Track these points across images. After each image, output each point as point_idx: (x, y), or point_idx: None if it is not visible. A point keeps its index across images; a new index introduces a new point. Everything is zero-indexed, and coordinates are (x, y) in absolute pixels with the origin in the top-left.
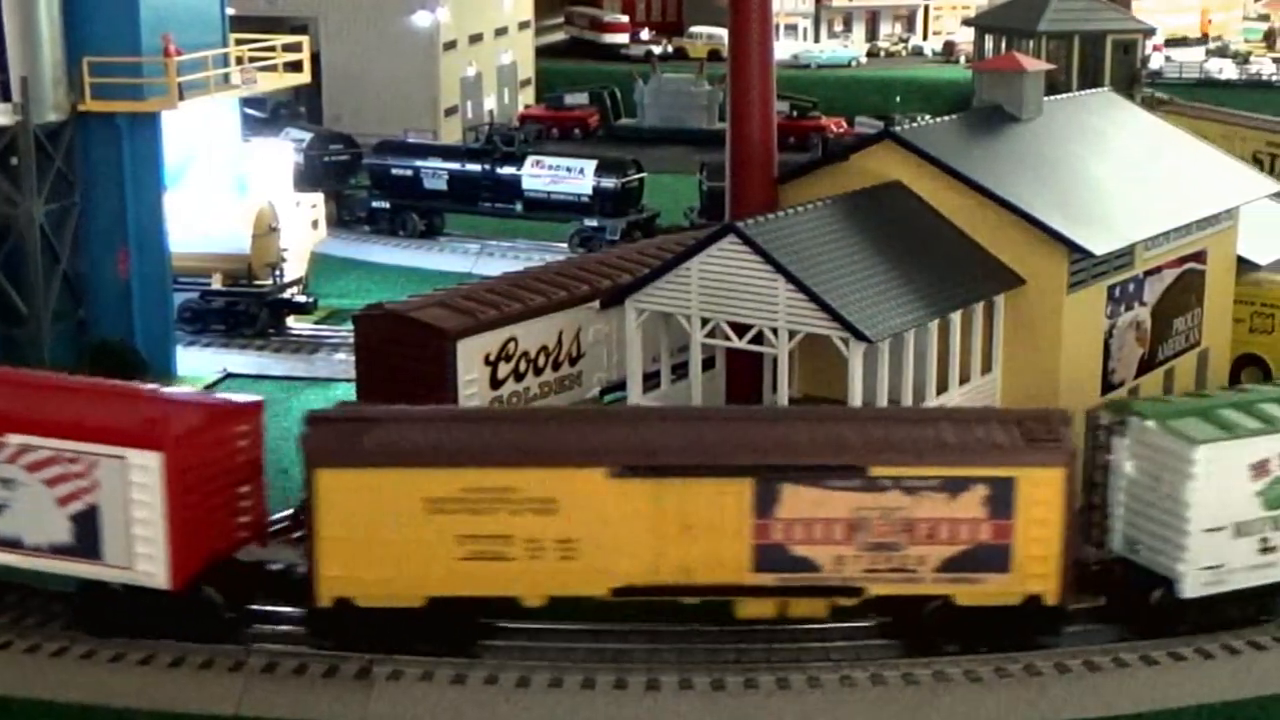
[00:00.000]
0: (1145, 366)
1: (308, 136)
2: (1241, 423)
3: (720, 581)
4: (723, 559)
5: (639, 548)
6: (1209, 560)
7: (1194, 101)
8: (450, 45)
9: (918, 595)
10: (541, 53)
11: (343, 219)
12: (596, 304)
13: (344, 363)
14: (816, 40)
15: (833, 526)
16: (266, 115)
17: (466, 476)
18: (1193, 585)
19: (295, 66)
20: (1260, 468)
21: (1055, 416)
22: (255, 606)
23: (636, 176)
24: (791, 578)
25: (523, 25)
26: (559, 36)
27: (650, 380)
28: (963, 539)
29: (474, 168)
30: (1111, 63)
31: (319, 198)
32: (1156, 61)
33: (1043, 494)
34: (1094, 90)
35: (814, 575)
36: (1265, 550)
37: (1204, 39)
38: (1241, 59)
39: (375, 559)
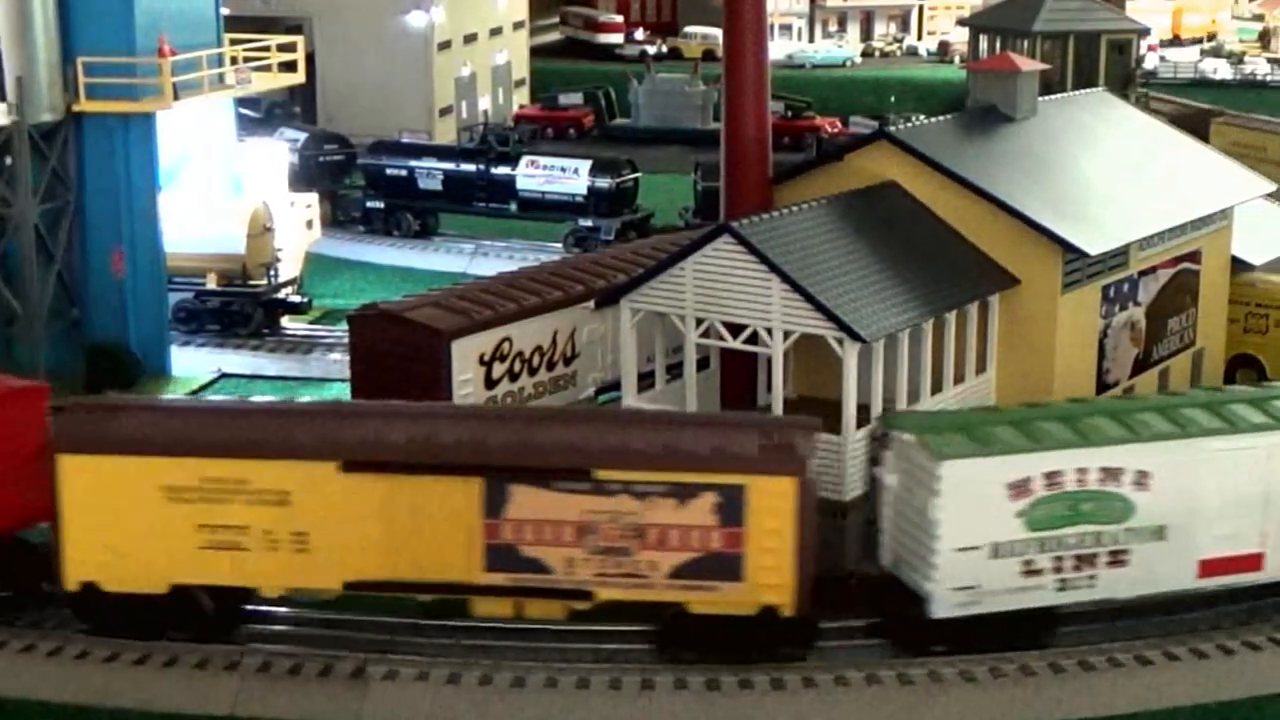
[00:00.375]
0: (1140, 366)
1: (302, 136)
2: (1004, 439)
3: (453, 580)
4: (455, 557)
5: (371, 543)
6: (961, 580)
7: (1252, 113)
8: (445, 45)
9: (650, 602)
10: (536, 53)
11: (337, 219)
12: (591, 304)
13: (338, 363)
14: (811, 40)
15: (562, 529)
16: (261, 115)
17: (203, 466)
18: (943, 605)
19: (290, 66)
20: (1020, 487)
21: (798, 425)
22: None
23: (631, 176)
24: (523, 578)
25: (517, 25)
26: (554, 36)
27: (645, 380)
28: (694, 546)
29: (469, 168)
30: (1106, 63)
31: (314, 198)
32: (1151, 61)
33: (774, 503)
34: (1089, 90)
35: (545, 577)
36: (1030, 573)
37: (1176, 40)
38: (1236, 59)
39: (118, 545)
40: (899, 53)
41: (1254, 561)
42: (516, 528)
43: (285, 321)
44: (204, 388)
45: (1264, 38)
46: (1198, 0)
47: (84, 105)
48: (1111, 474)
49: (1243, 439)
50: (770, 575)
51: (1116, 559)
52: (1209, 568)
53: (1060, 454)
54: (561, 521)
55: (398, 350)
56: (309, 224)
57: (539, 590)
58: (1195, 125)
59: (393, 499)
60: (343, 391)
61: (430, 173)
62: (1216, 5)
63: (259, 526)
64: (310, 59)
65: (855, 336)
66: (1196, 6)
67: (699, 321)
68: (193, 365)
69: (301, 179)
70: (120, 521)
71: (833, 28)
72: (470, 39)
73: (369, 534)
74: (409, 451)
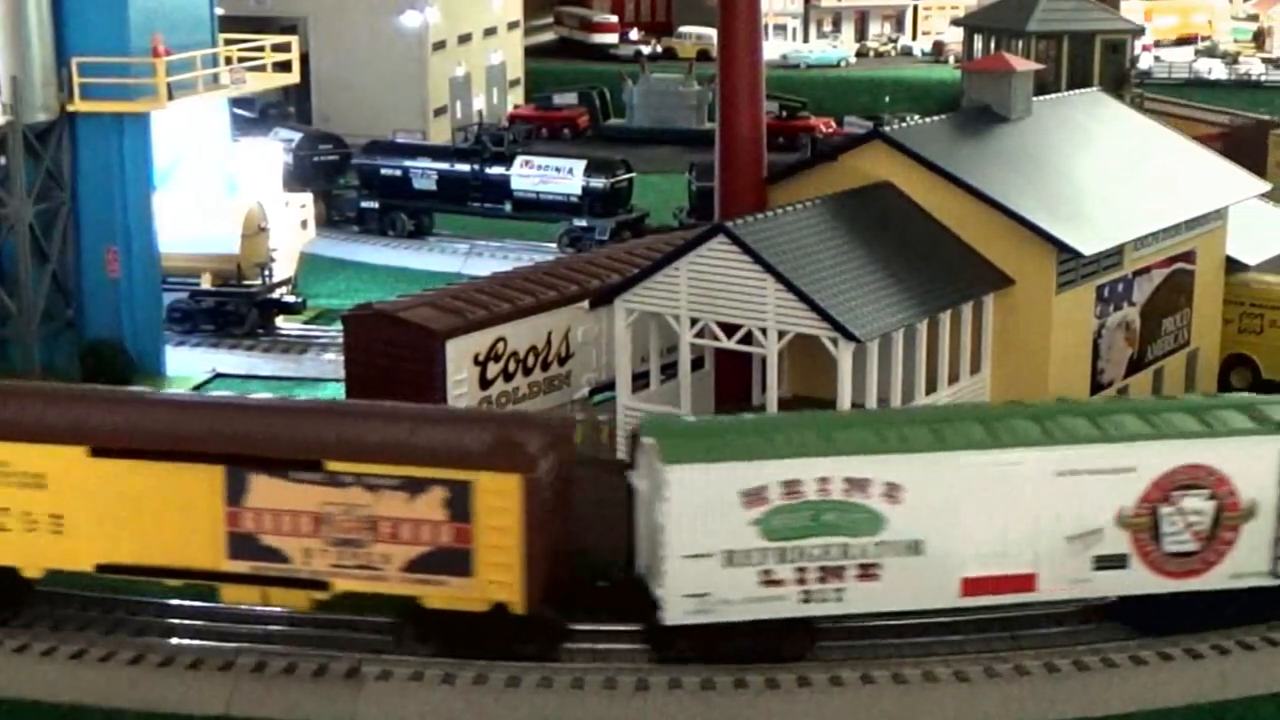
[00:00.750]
0: (1134, 367)
1: (297, 136)
2: (741, 446)
3: (199, 566)
4: (200, 544)
5: (121, 527)
6: (692, 588)
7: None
8: (439, 45)
9: (385, 594)
10: (530, 53)
11: (332, 219)
12: (585, 304)
13: (333, 363)
14: (805, 40)
15: (299, 519)
16: (255, 115)
17: None
18: (675, 613)
19: (284, 67)
20: (755, 495)
21: (535, 423)
22: None
23: (625, 176)
24: (264, 567)
25: (512, 25)
26: (548, 36)
27: (639, 380)
28: (424, 540)
29: (463, 168)
30: (1100, 63)
31: (308, 198)
32: (1145, 61)
33: (500, 501)
34: (1083, 90)
35: (284, 566)
36: (770, 584)
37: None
38: (1230, 59)
39: None
40: (894, 53)
41: (1025, 582)
42: (256, 516)
43: (280, 321)
44: (199, 387)
45: (1258, 38)
46: (1173, 2)
47: (78, 105)
48: (858, 485)
49: (1003, 454)
50: (499, 572)
51: (867, 573)
52: (973, 586)
53: (798, 462)
54: (299, 512)
55: (392, 350)
56: (303, 224)
57: (279, 579)
58: (1253, 138)
59: (140, 485)
60: (337, 392)
61: (425, 173)
62: (1191, 6)
63: (18, 508)
64: (305, 59)
65: (850, 337)
66: (1168, 7)
67: (693, 321)
68: (187, 365)
69: (296, 179)
70: None
71: (827, 28)
72: (465, 39)
73: (119, 518)
74: (154, 438)
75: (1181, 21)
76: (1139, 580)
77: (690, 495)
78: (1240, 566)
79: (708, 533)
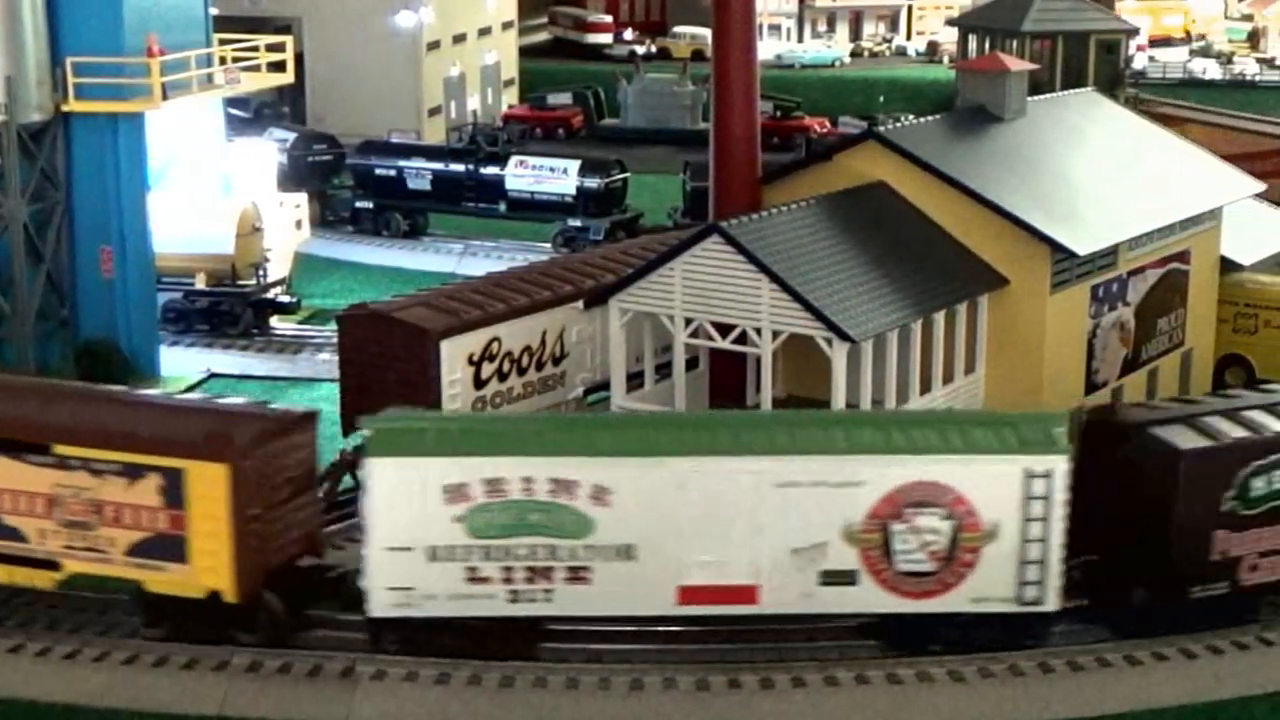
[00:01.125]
0: (1129, 367)
1: (291, 136)
2: (446, 442)
3: None
4: None
5: None
6: (395, 581)
7: None
8: (434, 45)
9: (111, 576)
10: (525, 53)
11: (326, 219)
12: (580, 304)
13: (327, 363)
14: (800, 40)
15: (34, 500)
16: (250, 115)
17: None
18: (380, 605)
19: (279, 66)
20: (457, 492)
21: (257, 415)
22: None
23: (620, 176)
24: (3, 545)
25: (506, 25)
26: (542, 36)
27: (634, 380)
28: (144, 525)
29: (457, 168)
30: (1095, 63)
31: (303, 198)
32: (1140, 61)
33: (209, 489)
34: (1077, 90)
35: (21, 546)
36: (475, 581)
37: None
38: (1225, 59)
39: None
40: (888, 53)
41: (747, 594)
42: None
43: (274, 321)
44: (193, 387)
45: (1253, 38)
46: (1145, 2)
47: (73, 105)
48: (563, 486)
49: (711, 462)
50: (210, 559)
51: (577, 575)
52: (690, 595)
53: (501, 461)
54: (33, 493)
55: (386, 350)
56: (298, 224)
57: (18, 558)
58: None
59: None
60: (331, 391)
61: (419, 173)
62: (1164, 7)
63: None
64: (299, 59)
65: (844, 337)
66: (1140, 8)
67: (688, 321)
68: (182, 365)
69: (290, 179)
70: None
71: (821, 28)
72: (459, 39)
73: None
74: None
75: (1153, 22)
76: (871, 598)
77: (392, 488)
78: (982, 590)
79: (410, 526)
